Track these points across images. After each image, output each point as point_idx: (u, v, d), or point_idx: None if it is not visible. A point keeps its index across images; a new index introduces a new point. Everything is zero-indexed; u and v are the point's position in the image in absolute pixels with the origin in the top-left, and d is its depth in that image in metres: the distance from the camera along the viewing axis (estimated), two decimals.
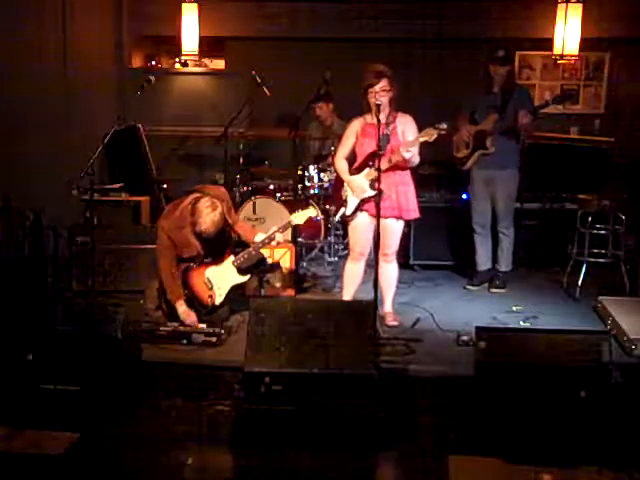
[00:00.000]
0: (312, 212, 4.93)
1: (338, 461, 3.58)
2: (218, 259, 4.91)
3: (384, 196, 4.54)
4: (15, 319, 4.17)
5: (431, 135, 4.51)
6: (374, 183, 4.59)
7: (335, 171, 5.14)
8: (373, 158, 4.64)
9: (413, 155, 4.63)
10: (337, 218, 5.13)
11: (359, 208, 4.82)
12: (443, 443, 3.73)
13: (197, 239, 4.76)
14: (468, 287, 5.83)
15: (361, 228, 4.87)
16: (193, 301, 4.81)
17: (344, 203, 4.88)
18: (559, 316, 5.13)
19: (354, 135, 4.87)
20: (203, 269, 4.87)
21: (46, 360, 3.99)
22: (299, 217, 4.88)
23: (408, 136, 4.69)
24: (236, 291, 4.97)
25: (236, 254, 4.92)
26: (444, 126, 4.46)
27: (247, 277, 4.98)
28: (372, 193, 4.68)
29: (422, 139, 4.55)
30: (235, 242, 5.00)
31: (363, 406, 3.68)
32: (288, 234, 5.93)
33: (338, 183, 5.03)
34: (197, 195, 4.72)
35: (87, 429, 3.66)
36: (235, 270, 4.91)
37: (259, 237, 4.87)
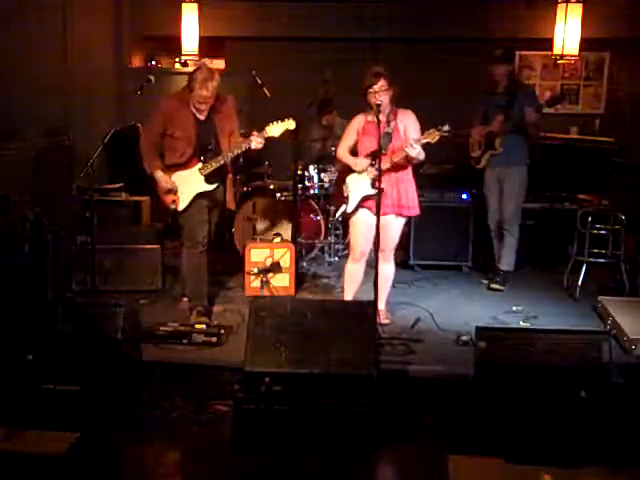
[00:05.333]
0: (291, 125, 4.81)
1: (338, 461, 3.58)
2: (186, 165, 4.84)
3: (385, 193, 4.55)
4: (15, 319, 4.17)
5: (434, 137, 4.49)
6: (375, 182, 4.59)
7: (337, 168, 5.10)
8: (374, 157, 4.64)
9: (419, 152, 4.59)
10: (338, 215, 5.10)
11: (360, 205, 4.80)
12: (443, 443, 3.73)
13: (194, 125, 4.79)
14: (493, 286, 5.76)
15: (362, 226, 4.84)
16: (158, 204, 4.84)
17: (345, 200, 4.87)
18: (559, 316, 5.13)
19: (355, 132, 4.86)
20: (170, 173, 4.82)
21: (46, 360, 4.00)
22: (275, 128, 4.79)
23: (410, 132, 4.67)
24: (200, 199, 4.85)
25: (204, 162, 4.82)
26: (447, 128, 4.45)
27: (214, 186, 4.86)
28: (373, 192, 4.66)
29: (424, 140, 4.54)
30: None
31: (363, 406, 3.68)
32: (288, 234, 5.95)
33: (339, 181, 5.02)
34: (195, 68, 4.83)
35: (87, 429, 3.67)
36: (203, 178, 4.82)
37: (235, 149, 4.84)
